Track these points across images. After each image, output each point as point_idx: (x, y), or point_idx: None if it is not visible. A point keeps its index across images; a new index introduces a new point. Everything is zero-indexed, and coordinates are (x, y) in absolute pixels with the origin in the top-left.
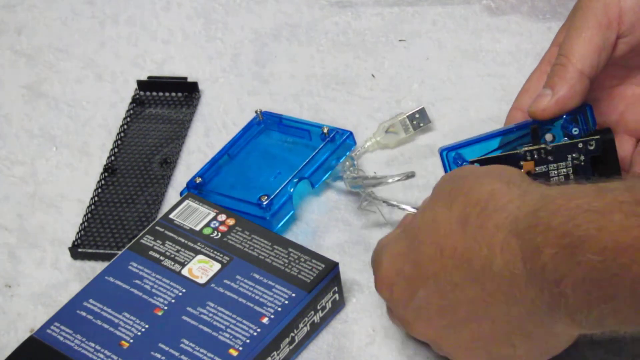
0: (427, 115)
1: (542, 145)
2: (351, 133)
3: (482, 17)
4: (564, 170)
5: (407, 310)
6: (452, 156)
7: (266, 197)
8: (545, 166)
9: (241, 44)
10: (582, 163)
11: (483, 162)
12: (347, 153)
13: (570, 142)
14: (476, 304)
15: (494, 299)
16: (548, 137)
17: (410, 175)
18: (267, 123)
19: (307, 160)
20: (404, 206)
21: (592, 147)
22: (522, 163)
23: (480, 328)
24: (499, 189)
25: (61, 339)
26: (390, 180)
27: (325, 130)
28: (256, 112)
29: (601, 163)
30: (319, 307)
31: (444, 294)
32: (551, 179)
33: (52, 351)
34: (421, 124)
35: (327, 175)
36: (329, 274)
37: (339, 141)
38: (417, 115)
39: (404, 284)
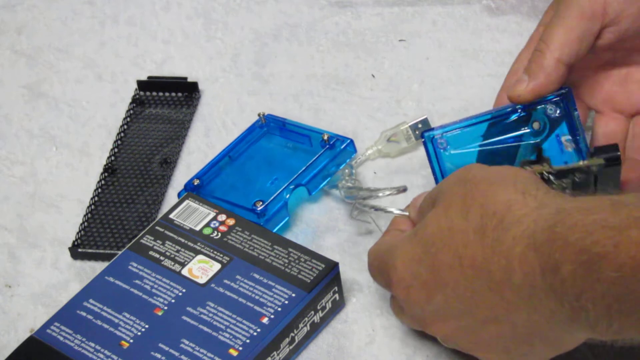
0: (430, 125)
1: (545, 168)
2: (352, 141)
3: (482, 17)
4: (564, 184)
5: (424, 312)
6: (437, 141)
7: (261, 203)
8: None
9: (241, 44)
10: (584, 180)
11: None
12: (347, 160)
13: (572, 166)
14: (496, 310)
15: (515, 307)
16: (535, 125)
17: (401, 190)
18: (269, 126)
19: (304, 167)
20: (390, 209)
21: (595, 169)
22: None
23: (500, 330)
24: (515, 200)
25: (61, 339)
26: (380, 194)
27: (326, 137)
28: (259, 115)
29: (603, 178)
30: (319, 307)
31: (463, 300)
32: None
33: (52, 351)
34: None
35: (324, 183)
36: (329, 274)
37: (339, 148)
38: (419, 125)
39: (420, 287)
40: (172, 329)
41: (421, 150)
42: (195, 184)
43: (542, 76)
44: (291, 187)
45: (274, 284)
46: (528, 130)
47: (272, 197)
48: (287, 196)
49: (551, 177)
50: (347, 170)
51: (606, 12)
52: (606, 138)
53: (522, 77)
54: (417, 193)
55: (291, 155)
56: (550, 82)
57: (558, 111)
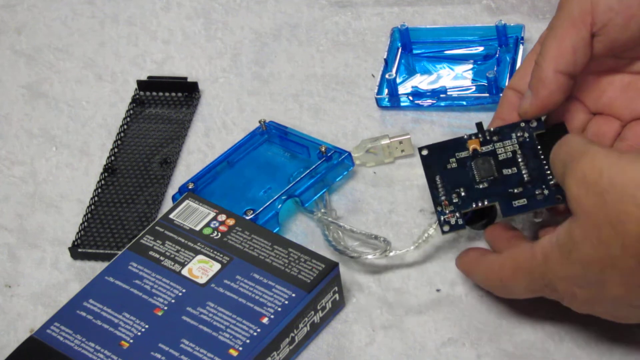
0: (412, 145)
1: (485, 129)
2: (349, 154)
3: (482, 17)
4: (510, 147)
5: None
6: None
7: (252, 212)
8: (491, 145)
9: (241, 44)
10: (527, 139)
11: (432, 147)
12: (345, 173)
13: (512, 123)
14: None
15: None
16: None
17: (385, 251)
18: (270, 134)
19: (298, 179)
20: (366, 256)
21: (534, 125)
22: (468, 141)
23: None
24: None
25: (61, 339)
26: (363, 257)
27: (323, 149)
28: (260, 122)
29: (549, 138)
30: (319, 307)
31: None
32: (498, 155)
33: (52, 351)
34: (403, 151)
35: (318, 195)
36: (329, 274)
37: (336, 161)
38: (401, 143)
39: (587, 289)
40: (172, 329)
41: (397, 164)
42: (190, 187)
43: (543, 90)
44: (283, 197)
45: (274, 284)
46: None
47: (263, 207)
48: (279, 206)
49: (494, 138)
50: (323, 202)
51: (594, 21)
52: (596, 138)
53: (527, 93)
54: (419, 184)
55: (288, 164)
56: (552, 94)
57: None
